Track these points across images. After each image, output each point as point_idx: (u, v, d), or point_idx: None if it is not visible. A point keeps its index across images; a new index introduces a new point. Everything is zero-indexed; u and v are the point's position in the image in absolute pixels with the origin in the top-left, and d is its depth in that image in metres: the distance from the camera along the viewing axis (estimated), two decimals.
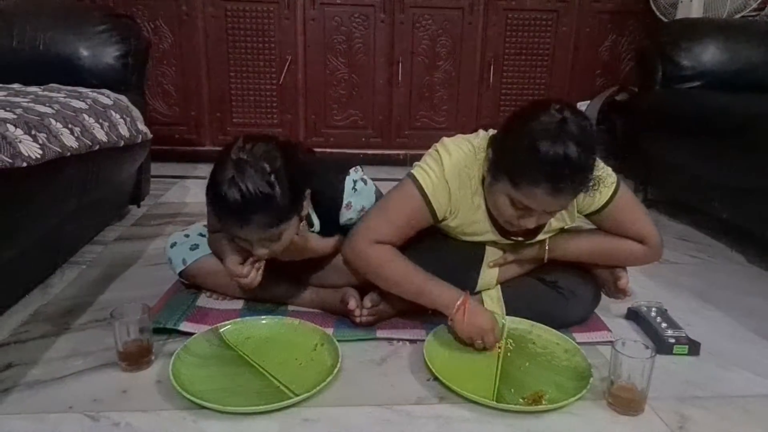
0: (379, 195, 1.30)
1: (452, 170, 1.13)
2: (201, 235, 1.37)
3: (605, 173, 1.15)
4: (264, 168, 1.02)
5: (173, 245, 1.34)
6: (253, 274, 1.16)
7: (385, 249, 1.14)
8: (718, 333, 1.29)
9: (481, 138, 1.16)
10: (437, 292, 1.13)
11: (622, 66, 2.96)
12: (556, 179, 0.96)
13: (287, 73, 2.77)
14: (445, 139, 1.17)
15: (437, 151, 1.15)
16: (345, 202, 1.23)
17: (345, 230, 1.25)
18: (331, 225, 1.27)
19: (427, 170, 1.14)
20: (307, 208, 1.17)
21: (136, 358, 1.07)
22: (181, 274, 1.33)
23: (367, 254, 1.14)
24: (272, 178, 1.02)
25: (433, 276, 1.14)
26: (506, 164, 1.02)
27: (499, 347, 1.15)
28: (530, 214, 1.04)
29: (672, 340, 1.20)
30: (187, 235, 1.36)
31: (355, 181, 1.24)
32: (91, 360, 1.10)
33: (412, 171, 1.16)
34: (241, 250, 1.16)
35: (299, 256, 1.23)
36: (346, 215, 1.25)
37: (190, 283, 1.35)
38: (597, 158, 1.01)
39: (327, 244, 1.26)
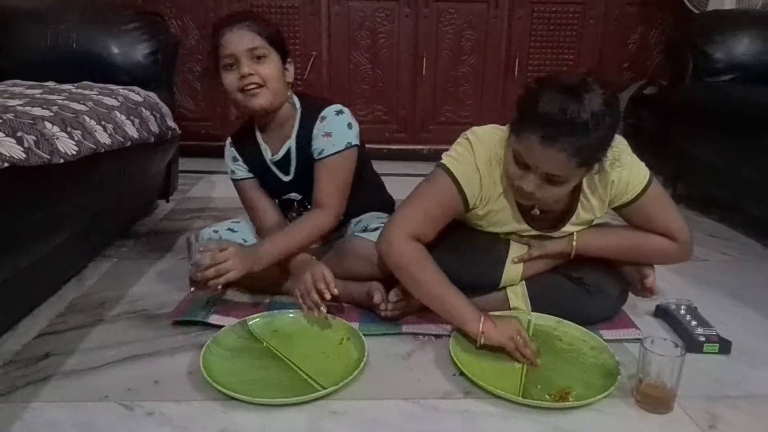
0: (358, 135, 1.32)
1: (483, 157, 1.13)
2: (230, 230, 1.39)
3: (638, 166, 1.15)
4: None
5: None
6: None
7: (418, 249, 1.14)
8: (749, 331, 1.27)
9: (509, 127, 1.16)
10: (458, 307, 1.12)
11: (651, 59, 2.90)
12: (549, 127, 0.95)
13: (312, 68, 2.78)
14: (475, 127, 1.18)
15: (467, 139, 1.15)
16: (324, 113, 1.29)
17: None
18: (304, 150, 1.31)
19: (458, 159, 1.14)
20: (290, 75, 1.29)
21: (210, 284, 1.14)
22: None
23: (401, 250, 1.14)
24: None
25: (457, 290, 1.13)
26: (516, 118, 1.03)
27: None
28: (528, 173, 1.02)
29: (702, 339, 1.18)
30: (216, 231, 1.39)
31: (340, 111, 1.30)
32: (125, 351, 1.13)
33: (442, 161, 1.16)
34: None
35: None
36: (316, 128, 1.28)
37: None
38: (611, 133, 0.99)
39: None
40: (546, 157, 0.97)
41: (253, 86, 1.21)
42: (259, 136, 1.35)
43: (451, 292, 1.12)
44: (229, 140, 1.38)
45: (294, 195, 1.38)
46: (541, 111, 0.95)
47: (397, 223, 1.15)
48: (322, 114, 1.29)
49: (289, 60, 1.29)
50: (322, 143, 1.28)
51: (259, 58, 1.21)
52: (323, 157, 1.28)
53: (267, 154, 1.34)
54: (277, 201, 1.40)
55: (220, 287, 1.16)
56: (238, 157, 1.36)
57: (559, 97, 0.95)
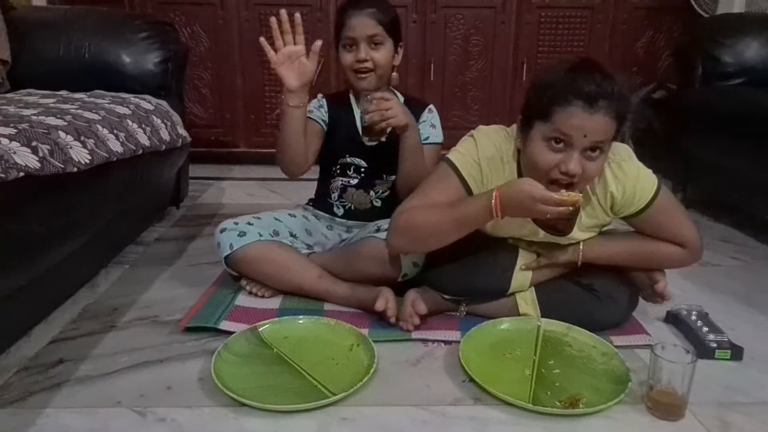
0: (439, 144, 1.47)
1: (485, 152, 1.16)
2: (249, 223, 1.40)
3: (645, 175, 1.15)
4: None
5: (222, 231, 1.39)
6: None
7: (411, 208, 1.17)
8: (761, 337, 1.26)
9: (515, 127, 1.17)
10: (469, 204, 1.12)
11: (660, 63, 2.89)
12: (587, 94, 1.00)
13: (320, 74, 2.79)
14: (480, 126, 1.22)
15: (472, 136, 1.20)
16: (431, 107, 1.48)
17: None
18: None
19: (461, 151, 1.19)
20: (398, 59, 1.41)
21: (375, 128, 1.28)
22: (226, 259, 1.37)
23: (398, 221, 1.17)
24: None
25: (461, 200, 1.16)
26: (535, 106, 1.06)
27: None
28: (571, 152, 1.02)
29: (714, 345, 1.17)
30: (236, 223, 1.40)
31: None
32: (137, 357, 1.14)
33: (447, 155, 1.20)
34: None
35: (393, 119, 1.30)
36: (425, 116, 1.46)
37: (234, 269, 1.39)
38: (630, 96, 1.07)
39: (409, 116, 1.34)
40: (592, 123, 1.01)
41: (364, 70, 1.36)
42: (353, 102, 1.47)
43: (456, 206, 1.13)
44: (320, 94, 1.50)
45: (360, 161, 1.45)
46: (571, 86, 1.01)
47: (397, 211, 1.19)
48: (430, 106, 1.48)
49: (400, 44, 1.41)
50: (429, 131, 1.44)
51: (375, 44, 1.35)
52: (427, 144, 1.42)
53: (358, 116, 1.43)
54: (338, 165, 1.47)
55: (384, 138, 1.35)
56: (325, 106, 1.47)
57: (579, 73, 1.02)
